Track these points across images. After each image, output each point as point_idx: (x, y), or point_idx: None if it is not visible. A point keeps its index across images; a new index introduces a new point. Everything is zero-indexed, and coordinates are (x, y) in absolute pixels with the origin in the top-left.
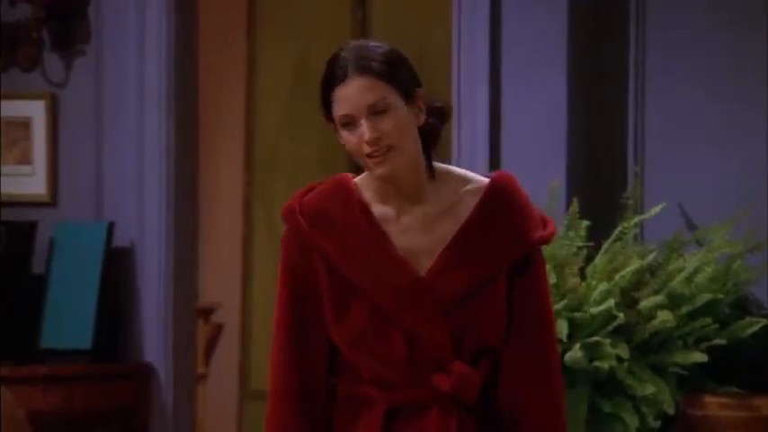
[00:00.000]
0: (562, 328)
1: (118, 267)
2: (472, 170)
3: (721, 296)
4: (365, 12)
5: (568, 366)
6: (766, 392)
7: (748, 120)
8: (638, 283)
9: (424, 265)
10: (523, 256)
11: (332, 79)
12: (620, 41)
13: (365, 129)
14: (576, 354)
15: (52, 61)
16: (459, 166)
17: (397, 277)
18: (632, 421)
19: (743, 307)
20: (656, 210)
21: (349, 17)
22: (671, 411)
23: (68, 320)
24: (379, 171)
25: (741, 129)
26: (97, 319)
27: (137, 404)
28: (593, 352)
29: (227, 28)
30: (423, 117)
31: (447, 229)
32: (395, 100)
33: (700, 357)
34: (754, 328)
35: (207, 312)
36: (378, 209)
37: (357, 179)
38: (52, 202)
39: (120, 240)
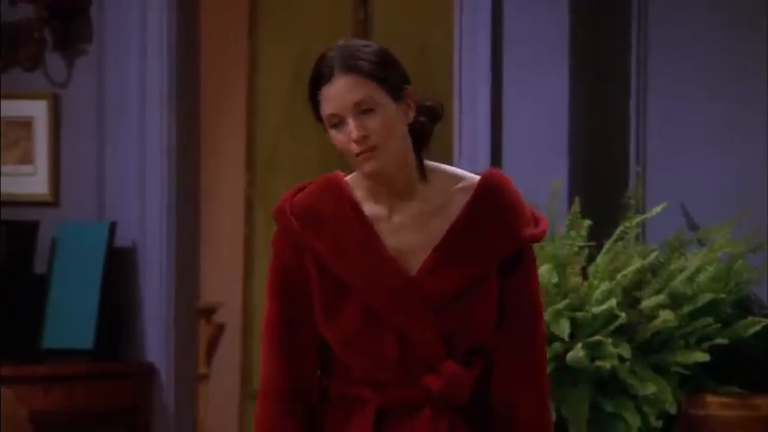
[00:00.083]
0: (564, 328)
1: (119, 267)
2: (473, 171)
3: (723, 296)
4: (366, 12)
5: (570, 366)
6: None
7: (750, 120)
8: (639, 282)
9: (416, 264)
10: (515, 254)
11: (319, 79)
12: (621, 41)
13: (352, 127)
14: (577, 353)
15: (54, 61)
16: (460, 166)
17: (387, 277)
18: (634, 421)
19: (744, 306)
20: (657, 209)
21: (350, 17)
22: (673, 411)
23: (70, 320)
24: (367, 169)
25: (742, 128)
26: (99, 318)
27: (138, 404)
28: (594, 351)
29: (228, 28)
30: (412, 115)
31: (438, 228)
32: (382, 98)
33: (701, 357)
34: (756, 328)
35: (208, 312)
36: (369, 208)
37: (348, 177)
38: (54, 201)
39: (121, 240)
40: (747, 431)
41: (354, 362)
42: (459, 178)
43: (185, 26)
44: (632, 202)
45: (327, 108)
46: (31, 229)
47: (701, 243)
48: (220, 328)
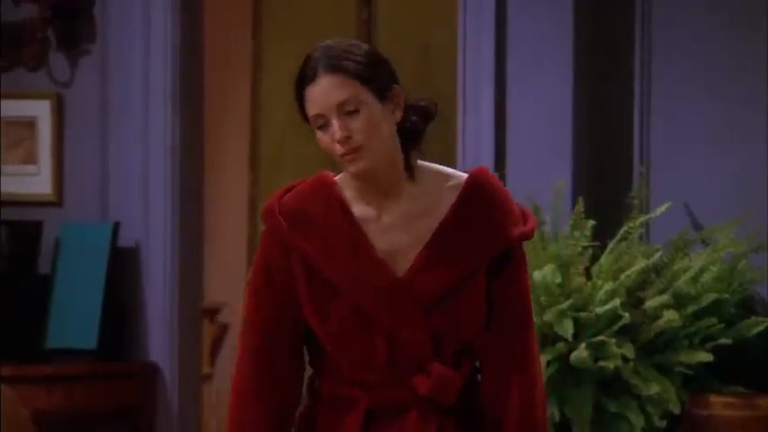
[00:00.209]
0: (567, 328)
1: (123, 267)
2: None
3: (727, 296)
4: (370, 11)
5: (574, 366)
6: None
7: (753, 120)
8: (643, 282)
9: (405, 264)
10: (504, 252)
11: (303, 79)
12: (625, 42)
13: (336, 128)
14: (581, 353)
15: (57, 61)
16: (463, 166)
17: (376, 278)
18: (638, 421)
19: (748, 306)
20: (661, 209)
21: (354, 17)
22: (676, 411)
23: (74, 320)
24: (352, 169)
25: (746, 128)
26: (102, 318)
27: (142, 404)
28: (598, 352)
29: (232, 27)
30: (399, 115)
31: (427, 227)
32: (367, 98)
33: (705, 357)
34: (760, 328)
35: (212, 312)
36: (358, 208)
37: (338, 177)
38: (58, 201)
39: (125, 240)
40: (751, 431)
41: (344, 362)
42: (447, 177)
43: (189, 26)
44: (636, 202)
45: (312, 109)
46: (34, 229)
47: (704, 243)
48: (224, 328)
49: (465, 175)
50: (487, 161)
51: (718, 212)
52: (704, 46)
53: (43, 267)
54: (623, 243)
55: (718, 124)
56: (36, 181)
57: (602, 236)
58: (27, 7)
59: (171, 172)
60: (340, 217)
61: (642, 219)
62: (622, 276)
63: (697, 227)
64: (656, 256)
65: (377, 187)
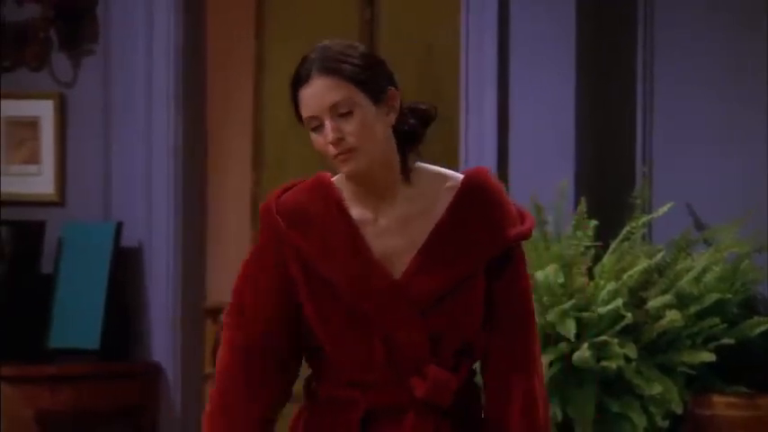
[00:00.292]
0: (570, 328)
1: (126, 267)
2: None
3: (729, 296)
4: (373, 12)
5: (576, 366)
6: None
7: (756, 120)
8: (646, 282)
9: (402, 266)
10: (502, 253)
11: (298, 81)
12: (627, 41)
13: (328, 130)
14: (583, 353)
15: (60, 61)
16: (466, 166)
17: (374, 279)
18: (640, 421)
19: (751, 306)
20: (663, 209)
21: (357, 17)
22: (679, 411)
23: (76, 320)
24: (345, 170)
25: (748, 129)
26: (105, 318)
27: (144, 404)
28: (600, 352)
29: (235, 27)
30: (394, 117)
31: (423, 230)
32: (361, 100)
33: (708, 357)
34: (763, 328)
35: (215, 312)
36: (355, 210)
37: (335, 179)
38: (60, 201)
39: (128, 240)
40: (753, 431)
41: (342, 363)
42: (444, 178)
43: (192, 26)
44: (638, 202)
45: (305, 110)
46: (37, 229)
47: (707, 243)
48: None
49: (461, 176)
50: (490, 161)
51: (720, 212)
52: (707, 46)
53: (46, 267)
54: (626, 243)
55: (721, 124)
56: (39, 181)
57: (604, 236)
58: (30, 7)
59: (174, 172)
60: (338, 218)
61: (645, 219)
62: (625, 276)
63: (700, 227)
64: (659, 256)
65: (372, 189)
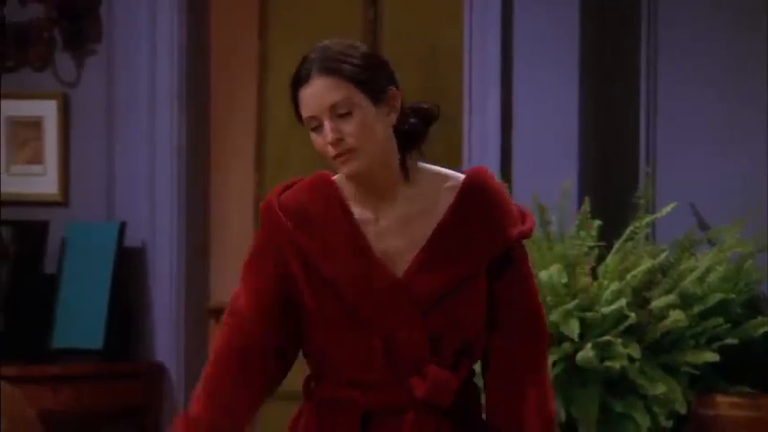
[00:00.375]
0: (573, 328)
1: (129, 267)
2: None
3: (733, 296)
4: (376, 11)
5: (580, 366)
6: None
7: (759, 120)
8: (649, 282)
9: (403, 266)
10: (504, 253)
11: (298, 80)
12: (631, 41)
13: (327, 130)
14: (587, 353)
15: (64, 61)
16: (469, 166)
17: (375, 279)
18: (644, 421)
19: (754, 306)
20: (667, 209)
21: (360, 17)
22: (683, 411)
23: (80, 320)
24: (344, 170)
25: (752, 129)
26: (108, 318)
27: (148, 404)
28: (604, 351)
29: (238, 27)
30: (395, 117)
31: (424, 230)
32: (360, 101)
33: (711, 357)
34: (766, 328)
35: (218, 312)
36: (356, 210)
37: (336, 177)
38: (64, 201)
39: (131, 240)
40: (757, 431)
41: (342, 363)
42: (445, 178)
43: (195, 26)
44: (642, 202)
45: (305, 110)
46: (40, 229)
47: (710, 243)
48: None
49: (462, 176)
50: (493, 161)
51: (724, 212)
52: (710, 46)
53: (49, 267)
54: (629, 243)
55: (725, 124)
56: (42, 181)
57: (608, 236)
58: (33, 7)
59: (177, 172)
60: (340, 217)
61: (648, 219)
62: (628, 276)
63: (703, 227)
64: (663, 256)
65: (372, 189)
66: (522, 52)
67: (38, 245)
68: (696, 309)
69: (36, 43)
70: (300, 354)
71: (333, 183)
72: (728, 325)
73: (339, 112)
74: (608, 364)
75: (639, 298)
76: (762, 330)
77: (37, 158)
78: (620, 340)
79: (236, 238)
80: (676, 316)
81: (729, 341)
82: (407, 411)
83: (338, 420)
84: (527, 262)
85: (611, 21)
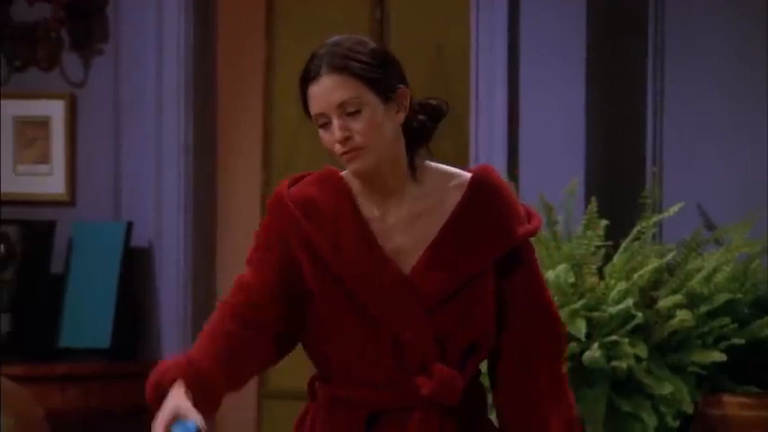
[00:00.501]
0: (580, 328)
1: (136, 267)
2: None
3: (740, 296)
4: (383, 11)
5: (587, 366)
6: None
7: (766, 120)
8: (656, 282)
9: (409, 264)
10: (511, 251)
11: (307, 77)
12: (638, 40)
13: (335, 128)
14: (594, 353)
15: (71, 61)
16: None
17: (383, 277)
18: (651, 421)
19: (761, 306)
20: (674, 209)
21: (367, 17)
22: (689, 411)
23: (87, 320)
24: (352, 168)
25: (759, 129)
26: (115, 318)
27: None
28: (611, 351)
29: (245, 27)
30: (403, 116)
31: (431, 228)
32: (369, 99)
33: (718, 357)
34: None
35: None
36: (364, 207)
37: (344, 173)
38: (70, 201)
39: (138, 240)
40: (764, 431)
41: (349, 363)
42: (451, 176)
43: (202, 25)
44: (649, 201)
45: (314, 107)
46: (47, 228)
47: (717, 243)
48: None
49: (469, 175)
50: (500, 161)
51: (731, 212)
52: (717, 45)
53: (56, 267)
54: (636, 243)
55: (732, 124)
56: (49, 181)
57: (615, 235)
58: (40, 7)
59: (184, 171)
60: (350, 213)
61: (655, 218)
62: (635, 276)
63: (710, 226)
64: (669, 255)
65: (380, 187)
66: (528, 52)
67: (45, 245)
68: (703, 309)
69: (43, 43)
70: (304, 354)
71: (341, 178)
72: (735, 325)
73: (348, 110)
74: (615, 363)
75: (646, 298)
76: None
77: (44, 158)
78: (626, 340)
79: (242, 238)
80: (683, 316)
81: (736, 341)
82: (413, 410)
83: (344, 419)
84: (535, 260)
85: (619, 21)
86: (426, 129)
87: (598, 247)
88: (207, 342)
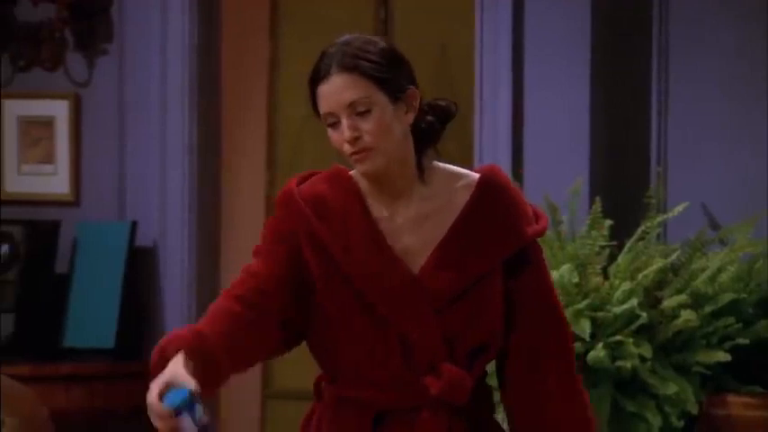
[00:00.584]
0: (585, 328)
1: (141, 267)
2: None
3: (744, 295)
4: (387, 11)
5: (591, 366)
6: None
7: None
8: (660, 282)
9: (417, 264)
10: (519, 252)
11: (316, 76)
12: (643, 40)
13: (345, 128)
14: (598, 353)
15: (75, 61)
16: (480, 166)
17: (392, 277)
18: (655, 421)
19: (766, 306)
20: (678, 209)
21: (371, 17)
22: (694, 411)
23: (91, 320)
24: (361, 169)
25: (764, 129)
26: (120, 318)
27: None
28: (615, 351)
29: (249, 27)
30: (412, 116)
31: (439, 228)
32: (379, 99)
33: (723, 357)
34: None
35: None
36: (374, 207)
37: (353, 173)
38: (75, 201)
39: (142, 240)
40: None
41: (357, 363)
42: (459, 177)
43: (206, 25)
44: (653, 201)
45: (323, 107)
46: (52, 228)
47: (722, 243)
48: None
49: (476, 175)
50: (505, 161)
51: (735, 212)
52: (722, 45)
53: (60, 267)
54: (641, 243)
55: (736, 124)
56: (54, 181)
57: (619, 235)
58: (45, 7)
59: (188, 171)
60: (359, 212)
61: (659, 218)
62: (640, 276)
63: (714, 226)
64: (674, 255)
65: (388, 187)
66: (533, 52)
67: (49, 244)
68: (707, 308)
69: (47, 43)
70: (308, 354)
71: (351, 177)
72: (740, 325)
73: (357, 110)
74: (619, 363)
75: (651, 298)
76: None
77: (48, 158)
78: (631, 340)
79: (247, 238)
80: (688, 316)
81: (741, 341)
82: (421, 410)
83: (351, 419)
84: (543, 260)
85: (623, 21)
86: (435, 130)
87: (602, 247)
88: (212, 320)
